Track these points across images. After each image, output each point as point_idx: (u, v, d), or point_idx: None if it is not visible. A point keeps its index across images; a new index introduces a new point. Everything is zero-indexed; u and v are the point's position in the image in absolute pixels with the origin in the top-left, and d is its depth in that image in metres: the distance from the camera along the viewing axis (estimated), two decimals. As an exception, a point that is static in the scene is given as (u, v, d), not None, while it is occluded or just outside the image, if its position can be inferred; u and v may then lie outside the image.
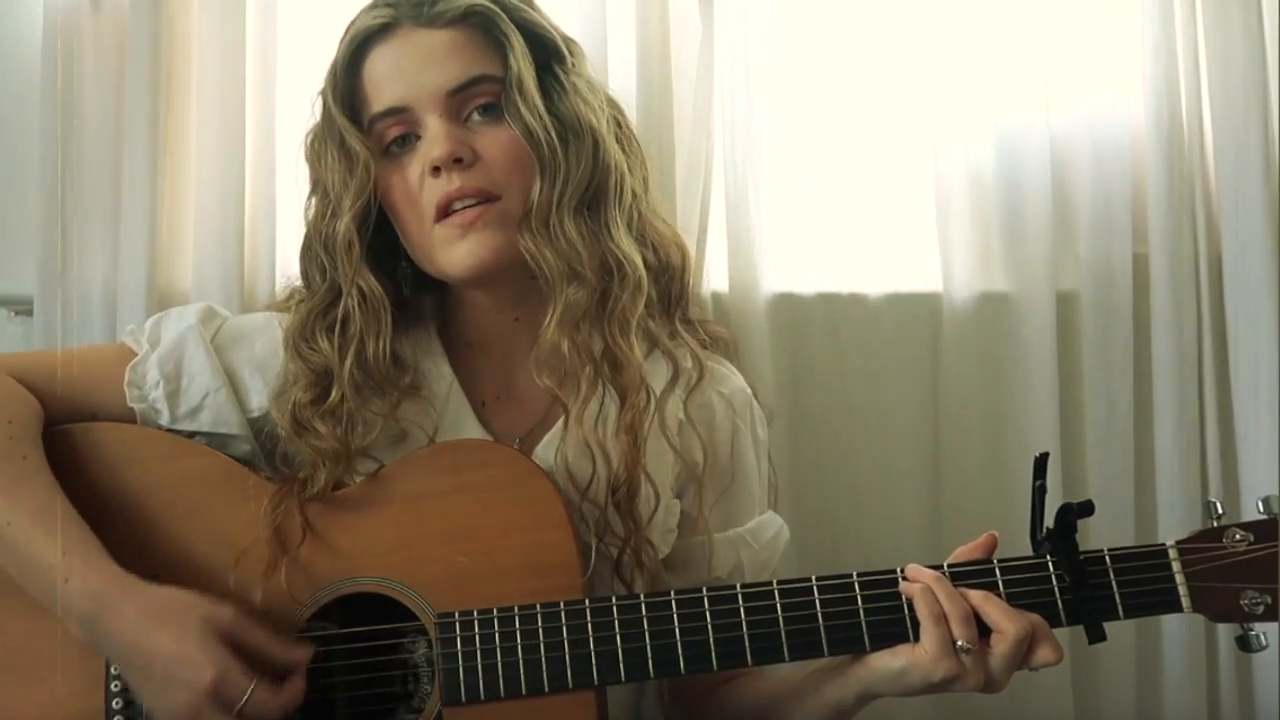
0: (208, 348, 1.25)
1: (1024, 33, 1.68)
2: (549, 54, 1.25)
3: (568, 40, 1.29)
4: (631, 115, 1.39)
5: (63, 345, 1.52)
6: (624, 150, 1.28)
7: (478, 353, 1.30)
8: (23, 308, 1.58)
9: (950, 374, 1.67)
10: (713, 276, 1.64)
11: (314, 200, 1.28)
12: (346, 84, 1.24)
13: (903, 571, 1.12)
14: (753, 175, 1.63)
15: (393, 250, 1.27)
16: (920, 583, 1.09)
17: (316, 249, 1.25)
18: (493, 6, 1.22)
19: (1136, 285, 1.69)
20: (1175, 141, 1.68)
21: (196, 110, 1.57)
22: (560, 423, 1.24)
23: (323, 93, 1.26)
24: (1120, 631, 1.63)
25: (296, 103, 1.35)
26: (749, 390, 1.36)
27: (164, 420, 1.24)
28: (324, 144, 1.25)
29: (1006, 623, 1.06)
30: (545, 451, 1.25)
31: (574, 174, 1.20)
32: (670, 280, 1.34)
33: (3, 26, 1.59)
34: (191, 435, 1.25)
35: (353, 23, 1.25)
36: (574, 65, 1.27)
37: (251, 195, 1.57)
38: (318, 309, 1.24)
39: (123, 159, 1.55)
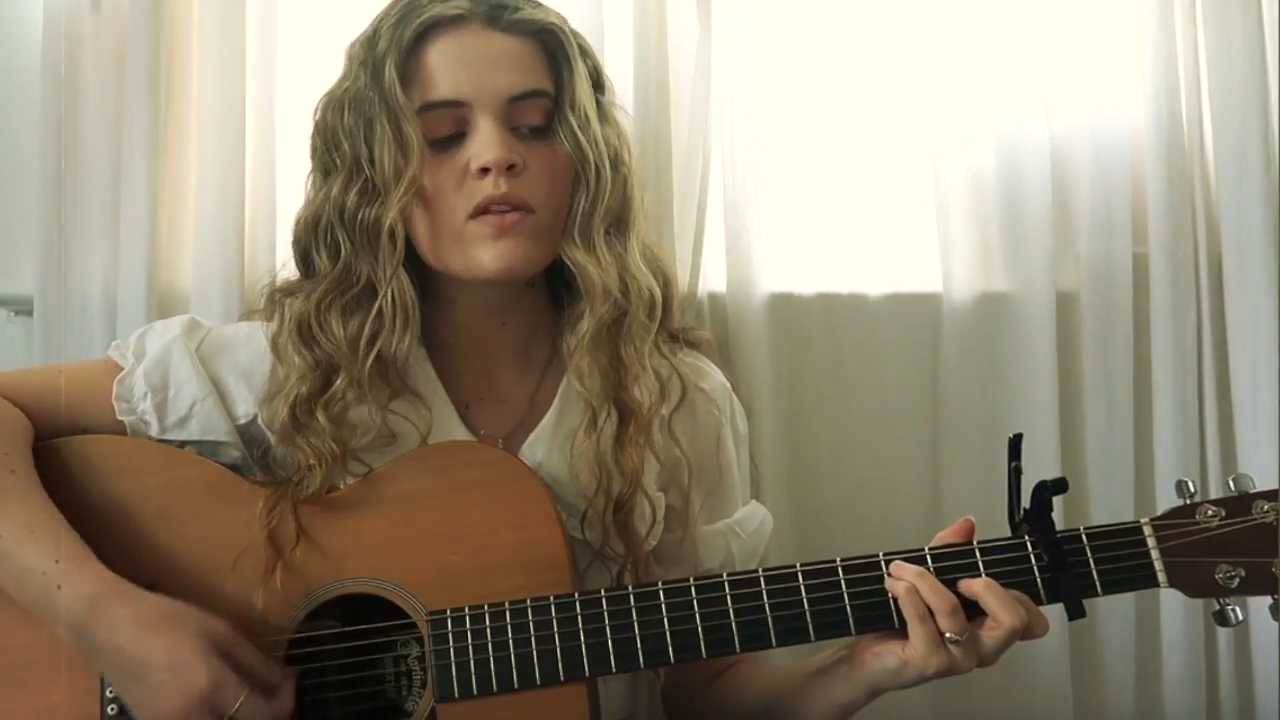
0: (193, 357, 1.26)
1: (1025, 32, 1.68)
2: (593, 82, 1.28)
3: (603, 69, 1.33)
4: (629, 115, 1.39)
5: (63, 346, 1.54)
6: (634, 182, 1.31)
7: (460, 355, 1.30)
8: (23, 308, 1.59)
9: (950, 374, 1.67)
10: (710, 277, 1.64)
11: (336, 175, 1.23)
12: (404, 64, 1.21)
13: (886, 561, 1.13)
14: (751, 175, 1.63)
15: None
16: (904, 581, 1.10)
17: (334, 228, 1.22)
18: (565, 29, 1.25)
19: (1136, 285, 1.69)
20: (1175, 141, 1.68)
21: (196, 110, 1.57)
22: (546, 423, 1.28)
23: (374, 60, 1.21)
24: (1120, 629, 1.64)
25: (296, 103, 1.34)
26: (728, 385, 1.39)
27: (154, 430, 1.25)
28: (373, 117, 1.20)
29: (1004, 614, 1.08)
30: (530, 451, 1.27)
31: (609, 198, 1.23)
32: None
33: (3, 26, 1.60)
34: (182, 444, 1.26)
35: (421, 5, 1.22)
36: (608, 96, 1.30)
37: (251, 195, 1.57)
38: (330, 294, 1.22)
39: (122, 159, 1.55)
